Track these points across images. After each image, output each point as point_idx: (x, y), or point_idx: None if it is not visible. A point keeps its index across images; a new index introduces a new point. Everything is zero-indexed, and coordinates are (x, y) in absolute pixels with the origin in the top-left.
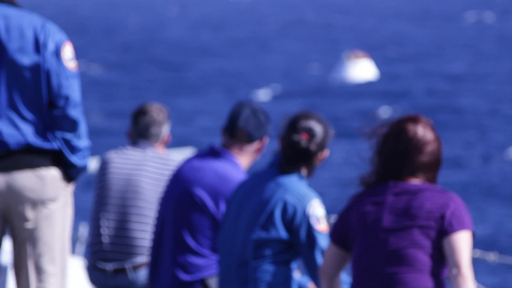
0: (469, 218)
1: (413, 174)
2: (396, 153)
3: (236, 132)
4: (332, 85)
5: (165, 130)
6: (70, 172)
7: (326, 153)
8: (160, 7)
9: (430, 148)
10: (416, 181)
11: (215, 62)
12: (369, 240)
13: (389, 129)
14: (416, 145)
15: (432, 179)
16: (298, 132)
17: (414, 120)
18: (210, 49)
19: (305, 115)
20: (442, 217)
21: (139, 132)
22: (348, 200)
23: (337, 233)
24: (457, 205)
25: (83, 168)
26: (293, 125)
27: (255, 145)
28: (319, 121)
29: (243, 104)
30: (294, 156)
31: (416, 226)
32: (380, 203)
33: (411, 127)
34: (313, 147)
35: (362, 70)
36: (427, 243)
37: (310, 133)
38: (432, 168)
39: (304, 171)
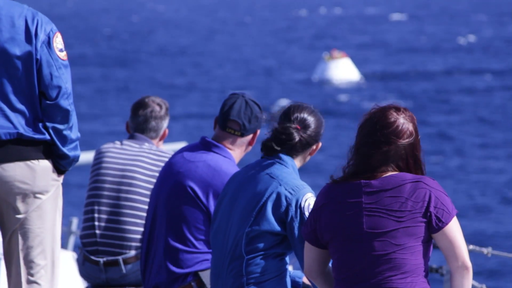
0: (450, 202)
1: (386, 162)
2: (373, 138)
3: (228, 124)
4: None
5: (164, 125)
6: (62, 164)
7: (319, 145)
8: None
9: (407, 138)
10: (387, 174)
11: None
12: (352, 245)
13: (371, 115)
14: (393, 131)
15: (405, 167)
16: (292, 122)
17: (397, 109)
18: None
19: (299, 106)
20: (427, 214)
21: (137, 125)
22: (319, 198)
23: (311, 233)
24: (436, 193)
25: (75, 159)
26: (287, 115)
27: (247, 138)
28: (313, 112)
29: (236, 95)
30: (287, 148)
31: (400, 228)
32: (356, 205)
33: (393, 114)
34: (305, 138)
35: (343, 69)
36: (413, 244)
37: (303, 124)
38: (406, 159)
39: (297, 163)
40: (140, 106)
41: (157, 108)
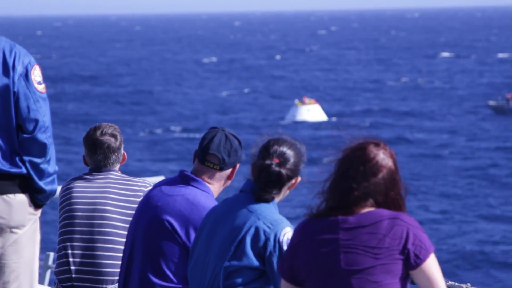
0: (427, 239)
1: (364, 198)
2: (352, 173)
3: (207, 158)
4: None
5: (120, 152)
6: (38, 198)
7: (298, 178)
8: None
9: (386, 173)
10: (366, 209)
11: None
12: (329, 282)
13: (350, 151)
14: (373, 167)
15: (384, 203)
16: (270, 156)
17: (376, 144)
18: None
19: (278, 140)
20: (405, 251)
21: (98, 163)
22: (295, 234)
23: (288, 271)
24: (414, 231)
25: (52, 193)
26: (266, 149)
27: (226, 172)
28: (292, 146)
29: (216, 129)
30: (266, 181)
31: (378, 265)
32: (333, 241)
33: (372, 150)
34: (285, 172)
35: (312, 113)
36: (391, 281)
37: (283, 158)
38: (385, 195)
39: (276, 197)
40: (95, 145)
41: (112, 140)
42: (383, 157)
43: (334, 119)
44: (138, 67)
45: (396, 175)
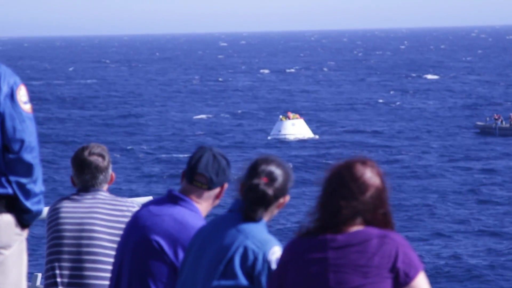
0: (416, 257)
1: (353, 216)
2: (340, 193)
3: (195, 177)
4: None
5: (108, 172)
6: (25, 218)
7: (286, 198)
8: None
9: (374, 192)
10: (355, 228)
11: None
12: None
13: (337, 169)
14: (361, 186)
15: (372, 221)
16: (259, 176)
17: (363, 162)
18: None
19: (266, 160)
20: (394, 269)
21: (85, 183)
22: (283, 254)
23: None
24: (403, 249)
25: (38, 214)
26: (254, 169)
27: (215, 191)
28: (280, 165)
29: (204, 149)
30: (254, 200)
31: (367, 284)
32: (322, 261)
33: (359, 168)
34: (273, 191)
35: (297, 127)
36: None
37: (271, 177)
38: (374, 213)
39: (264, 216)
40: (83, 165)
41: (100, 160)
42: (370, 175)
43: (317, 137)
44: (122, 88)
45: (384, 193)
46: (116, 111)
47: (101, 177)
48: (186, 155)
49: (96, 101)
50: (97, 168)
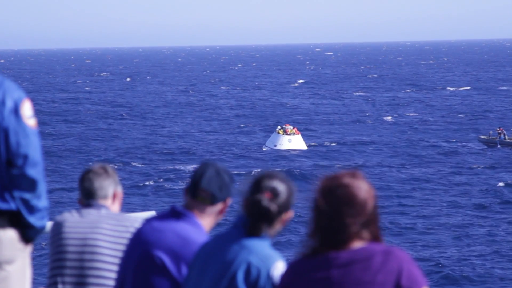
0: (420, 273)
1: (354, 232)
2: (343, 210)
3: (198, 192)
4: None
5: (111, 187)
6: (28, 233)
7: (290, 213)
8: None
9: (373, 202)
10: (357, 244)
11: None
12: None
13: (333, 188)
14: (362, 200)
15: (375, 234)
16: (262, 191)
17: (354, 175)
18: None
19: (269, 175)
20: (398, 286)
21: (86, 193)
22: (285, 276)
23: None
24: (408, 266)
25: (42, 229)
26: (257, 184)
27: (218, 207)
28: (283, 181)
29: (207, 164)
30: (257, 216)
31: None
32: (326, 280)
33: (354, 183)
34: (276, 207)
35: (292, 144)
36: None
37: (274, 192)
38: (370, 226)
39: (268, 232)
40: (83, 177)
41: (98, 173)
42: (366, 187)
43: (311, 149)
44: (112, 100)
45: (376, 202)
46: (102, 123)
47: (99, 187)
48: (182, 167)
49: (87, 114)
50: (94, 178)
